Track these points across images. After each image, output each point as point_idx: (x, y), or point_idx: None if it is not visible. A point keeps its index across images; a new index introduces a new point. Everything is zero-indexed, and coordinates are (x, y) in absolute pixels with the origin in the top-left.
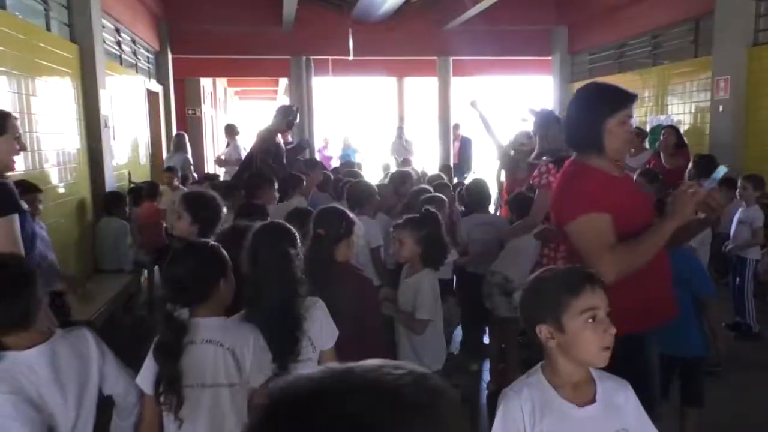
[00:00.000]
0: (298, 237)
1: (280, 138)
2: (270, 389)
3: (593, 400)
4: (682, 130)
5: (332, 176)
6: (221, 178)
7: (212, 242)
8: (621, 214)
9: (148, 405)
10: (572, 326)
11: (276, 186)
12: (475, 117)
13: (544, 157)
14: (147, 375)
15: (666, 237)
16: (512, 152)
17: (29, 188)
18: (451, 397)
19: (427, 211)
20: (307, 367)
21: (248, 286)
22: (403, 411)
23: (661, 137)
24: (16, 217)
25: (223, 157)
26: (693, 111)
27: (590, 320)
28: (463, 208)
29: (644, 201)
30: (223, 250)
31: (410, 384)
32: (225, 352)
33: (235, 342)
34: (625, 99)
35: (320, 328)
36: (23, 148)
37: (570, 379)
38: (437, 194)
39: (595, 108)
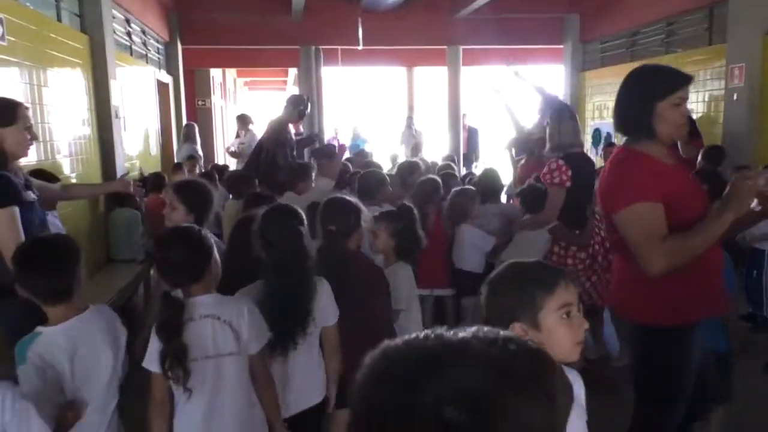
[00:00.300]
0: (304, 217)
1: (291, 128)
2: (379, 351)
3: None
4: (695, 119)
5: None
6: (231, 169)
7: (196, 226)
8: (673, 203)
9: (157, 383)
10: (548, 323)
11: (313, 176)
12: (498, 103)
13: (555, 153)
14: (153, 355)
15: (722, 230)
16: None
17: (47, 178)
18: (558, 372)
19: (403, 205)
20: (308, 341)
21: (265, 266)
22: (514, 385)
23: None
24: (16, 209)
25: (233, 149)
26: (707, 99)
27: (565, 316)
28: None
29: (698, 189)
30: (208, 233)
31: (522, 359)
32: (222, 324)
33: (230, 314)
34: (678, 80)
35: (324, 306)
36: (34, 138)
37: None
38: (469, 187)
39: (646, 90)
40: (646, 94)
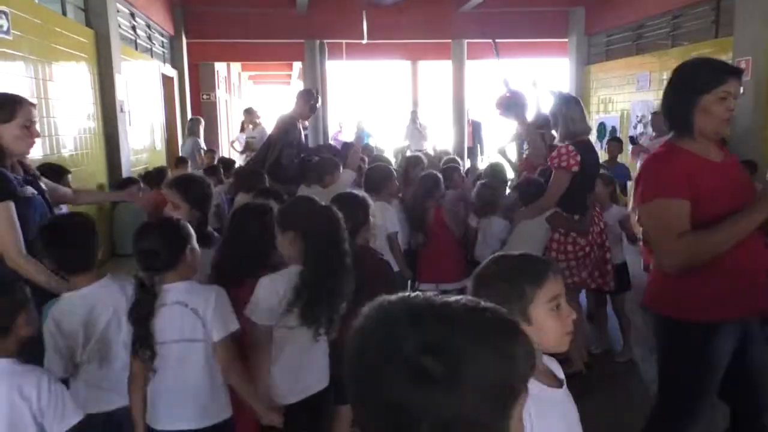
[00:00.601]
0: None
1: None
2: (376, 302)
3: (559, 380)
4: None
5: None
6: (237, 164)
7: (176, 217)
8: (707, 201)
9: (133, 360)
10: (538, 316)
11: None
12: (534, 96)
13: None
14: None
15: (748, 230)
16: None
17: (58, 171)
18: (524, 337)
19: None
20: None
21: (303, 253)
22: (480, 343)
23: None
24: (11, 203)
25: (239, 145)
26: None
27: (554, 308)
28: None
29: (742, 188)
30: (188, 224)
31: (493, 324)
32: (189, 311)
33: (197, 302)
34: (724, 73)
35: None
36: (35, 136)
37: (540, 367)
38: (491, 180)
39: (688, 85)
40: (691, 87)
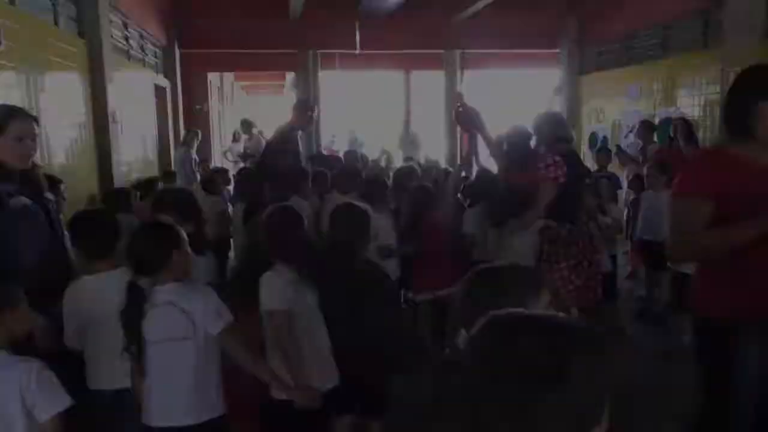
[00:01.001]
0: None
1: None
2: (487, 318)
3: None
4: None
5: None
6: (230, 173)
7: (165, 220)
8: (737, 203)
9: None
10: None
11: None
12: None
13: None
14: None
15: (744, 238)
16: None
17: (51, 181)
18: (609, 344)
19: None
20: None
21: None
22: (584, 345)
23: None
24: None
25: (234, 155)
26: (702, 104)
27: None
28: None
29: None
30: (179, 228)
31: (596, 334)
32: (178, 311)
33: (186, 302)
34: None
35: None
36: (28, 149)
37: None
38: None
39: (746, 90)
40: (749, 94)
